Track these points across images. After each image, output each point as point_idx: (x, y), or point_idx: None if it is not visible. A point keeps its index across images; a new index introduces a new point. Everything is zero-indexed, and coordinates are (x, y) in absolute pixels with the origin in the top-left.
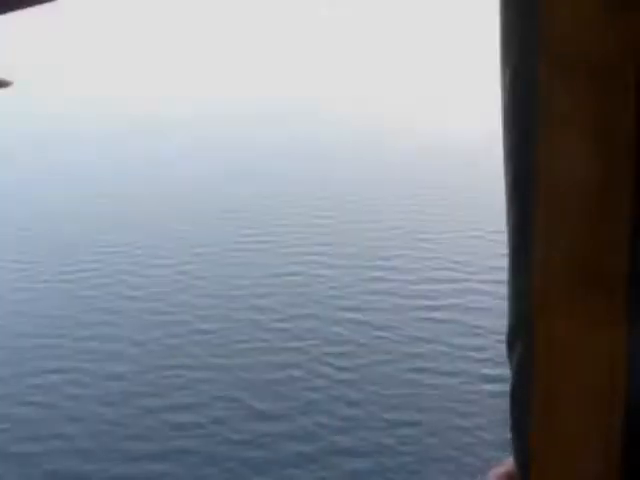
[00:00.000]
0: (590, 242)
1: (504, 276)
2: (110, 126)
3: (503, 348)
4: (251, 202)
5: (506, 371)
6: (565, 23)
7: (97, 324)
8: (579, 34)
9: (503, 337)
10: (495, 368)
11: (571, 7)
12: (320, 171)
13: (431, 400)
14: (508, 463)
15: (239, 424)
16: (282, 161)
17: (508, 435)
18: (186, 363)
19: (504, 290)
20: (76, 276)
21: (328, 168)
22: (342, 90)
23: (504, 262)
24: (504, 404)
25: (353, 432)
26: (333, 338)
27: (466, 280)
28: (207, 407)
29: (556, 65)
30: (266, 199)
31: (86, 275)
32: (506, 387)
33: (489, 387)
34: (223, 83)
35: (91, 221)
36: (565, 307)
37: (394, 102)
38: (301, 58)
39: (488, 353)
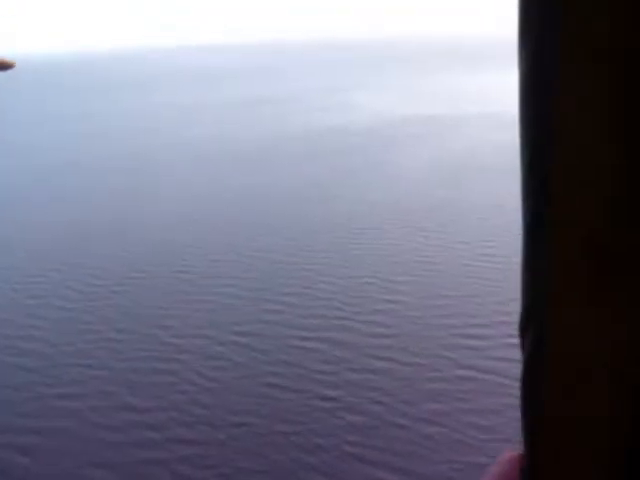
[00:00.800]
0: (607, 228)
1: (381, 318)
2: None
3: (349, 374)
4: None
5: (343, 393)
6: (587, 7)
7: (27, 327)
8: (602, 18)
9: (351, 365)
10: (335, 390)
11: None
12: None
13: (267, 408)
14: (514, 452)
15: (110, 412)
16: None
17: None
18: (87, 363)
19: (372, 329)
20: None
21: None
22: None
23: (384, 306)
24: (336, 418)
25: (197, 427)
26: (215, 355)
27: (345, 318)
28: (90, 397)
29: (578, 48)
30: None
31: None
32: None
33: (325, 404)
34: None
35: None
36: (580, 294)
37: None
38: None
39: (335, 377)
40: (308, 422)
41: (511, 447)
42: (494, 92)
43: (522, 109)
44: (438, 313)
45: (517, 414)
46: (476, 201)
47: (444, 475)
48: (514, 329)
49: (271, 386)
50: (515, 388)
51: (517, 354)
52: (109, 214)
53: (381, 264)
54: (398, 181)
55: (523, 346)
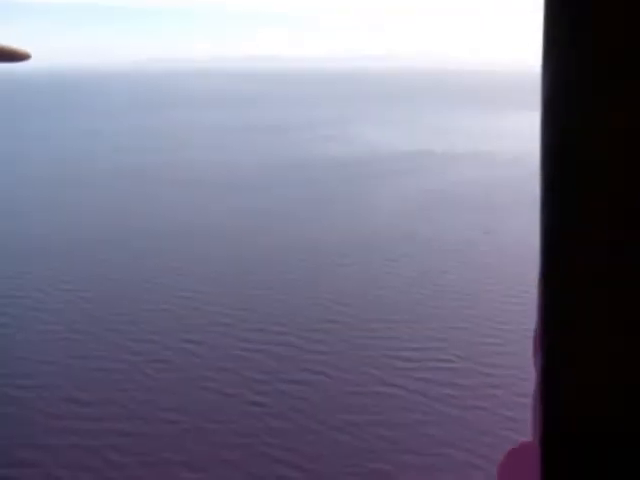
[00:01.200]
0: (626, 240)
1: (322, 336)
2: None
3: (280, 383)
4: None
5: (270, 400)
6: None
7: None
8: (630, 37)
9: (283, 376)
10: (264, 396)
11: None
12: None
13: (197, 408)
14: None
15: (55, 403)
16: None
17: None
18: (43, 359)
19: (310, 345)
20: None
21: None
22: None
23: (327, 325)
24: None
25: (131, 420)
26: (160, 358)
27: (288, 334)
28: (40, 389)
29: (601, 67)
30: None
31: None
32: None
33: (252, 408)
34: None
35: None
36: (598, 308)
37: None
38: None
39: (266, 386)
40: (232, 423)
41: (418, 458)
42: (492, 131)
43: (544, 135)
44: (376, 335)
45: (424, 429)
46: (444, 234)
47: (346, 478)
48: (443, 354)
49: (205, 389)
50: (428, 406)
51: (438, 376)
52: (94, 224)
53: (334, 286)
54: (376, 212)
55: (540, 355)
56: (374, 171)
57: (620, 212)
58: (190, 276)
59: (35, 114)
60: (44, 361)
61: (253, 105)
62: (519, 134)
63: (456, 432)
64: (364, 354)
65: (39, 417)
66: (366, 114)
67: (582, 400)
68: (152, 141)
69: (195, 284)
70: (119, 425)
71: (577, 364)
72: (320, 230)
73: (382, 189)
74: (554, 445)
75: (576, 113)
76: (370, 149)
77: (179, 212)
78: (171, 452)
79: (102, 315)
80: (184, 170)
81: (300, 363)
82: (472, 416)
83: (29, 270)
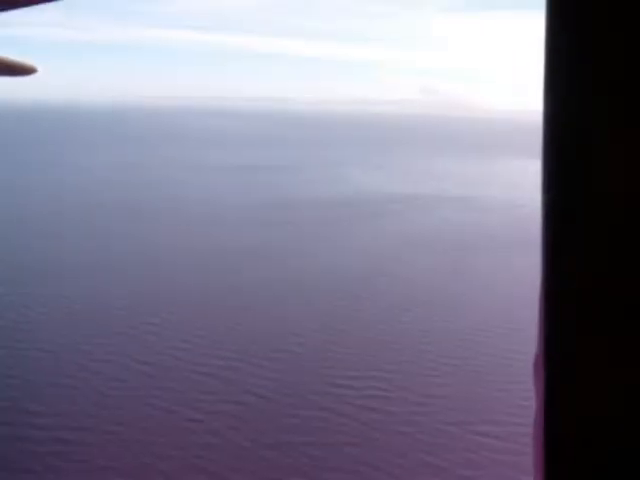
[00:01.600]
0: (629, 255)
1: (271, 363)
2: None
3: (222, 404)
4: None
5: (208, 418)
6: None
7: None
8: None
9: (227, 397)
10: (204, 414)
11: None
12: None
13: (139, 422)
14: None
15: (7, 413)
16: None
17: None
18: (4, 373)
19: (259, 371)
20: None
21: None
22: None
23: (278, 354)
24: None
25: (76, 431)
26: (115, 377)
27: (239, 360)
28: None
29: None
30: None
31: None
32: None
33: (189, 424)
34: None
35: None
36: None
37: None
38: None
39: (208, 405)
40: (170, 436)
41: (335, 474)
42: (480, 177)
43: (545, 155)
44: (324, 365)
45: (348, 449)
46: (412, 275)
47: None
48: (382, 383)
49: (150, 405)
50: (357, 429)
51: (371, 403)
52: (69, 250)
53: (294, 320)
54: (352, 252)
55: (541, 376)
56: (360, 212)
57: (622, 230)
58: (156, 304)
59: (30, 146)
60: (5, 375)
61: (251, 145)
62: (506, 181)
63: (376, 453)
64: (307, 381)
65: None
66: (356, 157)
67: (585, 420)
68: (139, 177)
69: (160, 311)
70: (65, 435)
71: (580, 384)
72: (291, 267)
73: (364, 230)
74: (559, 464)
75: (577, 135)
76: (360, 191)
77: (148, 243)
78: (107, 460)
79: (68, 335)
80: (162, 204)
81: (244, 386)
82: (394, 440)
83: (10, 291)
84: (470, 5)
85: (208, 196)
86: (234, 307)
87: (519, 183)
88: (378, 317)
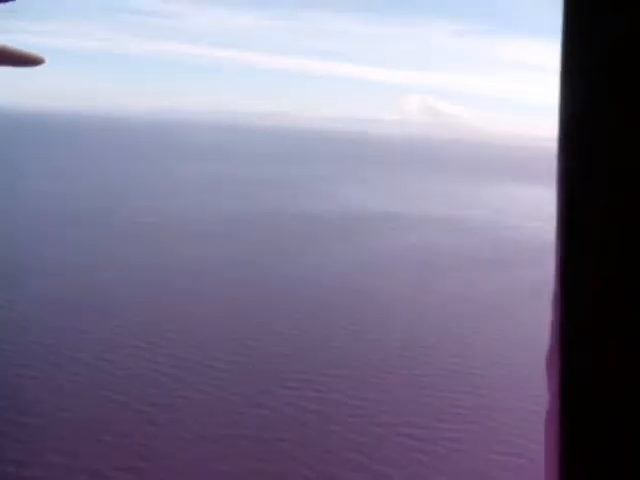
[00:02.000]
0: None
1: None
2: None
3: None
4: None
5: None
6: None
7: None
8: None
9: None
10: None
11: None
12: None
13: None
14: None
15: None
16: None
17: None
18: None
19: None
20: None
21: None
22: None
23: (228, 366)
24: None
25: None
26: (76, 371)
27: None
28: None
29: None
30: None
31: None
32: None
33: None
34: None
35: None
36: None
37: None
38: None
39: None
40: (114, 424)
41: (260, 463)
42: (466, 197)
43: (560, 164)
44: (276, 368)
45: (279, 444)
46: (387, 291)
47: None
48: (324, 387)
49: (102, 397)
50: (291, 426)
51: (311, 405)
52: (54, 257)
53: (259, 327)
54: (327, 269)
55: (556, 360)
56: (340, 229)
57: (636, 234)
58: (124, 305)
59: (32, 155)
60: None
61: (251, 160)
62: (495, 205)
63: (305, 449)
64: (257, 382)
65: None
66: (348, 176)
67: (601, 413)
68: (141, 188)
69: (127, 313)
70: (17, 417)
71: (595, 377)
72: (268, 279)
73: (334, 247)
74: (575, 460)
75: (593, 137)
76: (344, 209)
77: (132, 250)
78: (61, 458)
79: (34, 331)
80: (155, 214)
81: (194, 384)
82: (322, 437)
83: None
84: (486, 31)
85: (191, 208)
86: (197, 313)
87: (507, 207)
88: (332, 329)
